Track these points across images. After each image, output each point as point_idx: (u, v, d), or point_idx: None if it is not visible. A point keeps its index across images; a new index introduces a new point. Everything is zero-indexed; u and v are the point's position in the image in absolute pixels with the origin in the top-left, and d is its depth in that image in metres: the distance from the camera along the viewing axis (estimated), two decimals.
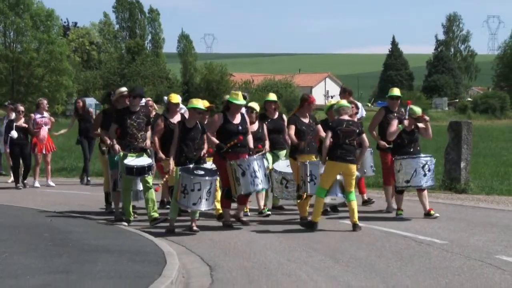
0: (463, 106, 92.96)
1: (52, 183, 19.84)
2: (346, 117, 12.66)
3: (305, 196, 12.97)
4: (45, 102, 20.09)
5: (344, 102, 13.16)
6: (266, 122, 14.17)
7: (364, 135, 12.73)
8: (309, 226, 12.49)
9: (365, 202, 15.13)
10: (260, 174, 12.57)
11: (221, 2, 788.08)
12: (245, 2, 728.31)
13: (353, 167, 12.49)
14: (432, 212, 13.52)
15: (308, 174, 12.76)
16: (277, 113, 14.50)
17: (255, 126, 13.91)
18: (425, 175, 13.43)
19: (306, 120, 13.26)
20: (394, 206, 14.02)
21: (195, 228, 12.44)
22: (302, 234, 12.15)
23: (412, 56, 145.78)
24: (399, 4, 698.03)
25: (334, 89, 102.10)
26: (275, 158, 14.26)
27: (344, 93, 15.37)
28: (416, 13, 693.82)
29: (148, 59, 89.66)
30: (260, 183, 12.60)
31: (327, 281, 9.13)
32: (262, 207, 14.05)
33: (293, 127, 13.15)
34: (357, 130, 12.58)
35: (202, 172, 12.28)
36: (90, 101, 72.19)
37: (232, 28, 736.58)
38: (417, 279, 9.15)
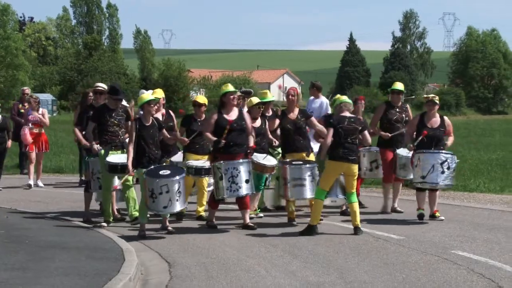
0: (419, 102, 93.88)
1: (41, 184, 18.54)
2: (347, 113, 12.01)
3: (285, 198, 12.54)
4: (32, 100, 18.58)
5: (345, 97, 12.33)
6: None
7: (366, 132, 12.10)
8: (308, 231, 11.75)
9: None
10: (240, 180, 11.83)
11: None
12: None
13: (355, 167, 11.88)
14: (437, 214, 13.00)
15: (284, 177, 12.25)
16: (270, 110, 13.92)
17: (258, 122, 13.26)
18: (443, 172, 12.59)
19: (293, 116, 12.72)
20: (396, 206, 13.80)
21: (170, 228, 12.04)
22: (260, 230, 12.17)
23: (369, 53, 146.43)
24: (357, 0, 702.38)
25: (292, 85, 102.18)
26: (275, 155, 13.55)
27: (312, 88, 15.32)
28: (373, 10, 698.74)
29: (106, 54, 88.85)
30: (239, 189, 11.89)
31: (285, 276, 9.17)
32: (255, 208, 13.41)
33: (276, 122, 12.78)
34: (360, 128, 11.94)
35: (168, 172, 11.64)
36: (46, 97, 71.57)
37: (191, 24, 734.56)
38: (374, 274, 9.24)
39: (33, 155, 18.42)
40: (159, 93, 13.67)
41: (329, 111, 15.46)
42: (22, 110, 19.85)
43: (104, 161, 12.59)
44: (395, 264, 9.78)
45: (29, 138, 18.24)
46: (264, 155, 12.95)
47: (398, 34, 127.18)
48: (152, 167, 11.76)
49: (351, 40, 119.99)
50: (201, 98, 13.63)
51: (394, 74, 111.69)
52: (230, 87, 12.40)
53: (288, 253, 10.48)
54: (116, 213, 13.40)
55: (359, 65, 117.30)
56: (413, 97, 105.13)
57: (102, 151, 12.70)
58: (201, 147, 13.16)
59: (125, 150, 12.47)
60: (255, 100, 13.35)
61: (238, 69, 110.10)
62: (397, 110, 13.86)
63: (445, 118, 13.15)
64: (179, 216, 13.13)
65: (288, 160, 12.52)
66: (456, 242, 11.17)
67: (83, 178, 18.62)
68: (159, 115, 13.15)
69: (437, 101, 12.98)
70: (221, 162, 11.91)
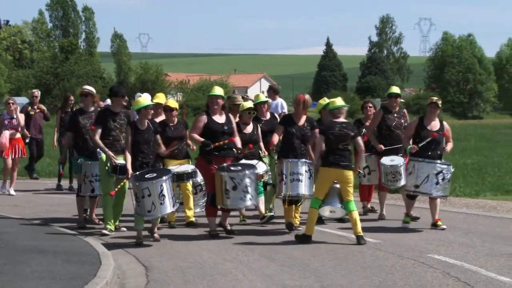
0: None
1: (13, 192, 17.58)
2: (340, 119, 11.63)
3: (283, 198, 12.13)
4: (11, 102, 17.78)
5: (339, 102, 11.82)
6: (260, 124, 13.27)
7: (359, 138, 11.71)
8: (303, 239, 11.42)
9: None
10: (251, 189, 11.63)
11: (156, 1, 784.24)
12: (181, 1, 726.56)
13: (349, 173, 11.45)
14: (439, 223, 12.59)
15: (280, 174, 12.01)
16: (268, 113, 13.72)
17: (250, 127, 13.03)
18: (437, 183, 12.31)
19: (300, 123, 12.30)
20: (384, 213, 13.63)
21: (156, 236, 11.71)
22: (238, 234, 12.15)
23: (346, 58, 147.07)
24: (334, 5, 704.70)
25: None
26: (273, 161, 13.10)
27: (269, 91, 15.38)
28: (350, 15, 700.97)
29: (82, 58, 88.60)
30: (251, 199, 11.69)
31: (262, 280, 9.18)
32: (263, 212, 13.13)
33: (281, 128, 12.38)
34: (352, 134, 11.57)
35: (154, 175, 11.31)
36: (22, 100, 71.12)
37: (168, 28, 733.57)
38: (351, 278, 9.27)
39: (9, 161, 17.70)
40: (161, 98, 13.46)
41: (285, 110, 15.56)
42: (33, 112, 19.16)
43: (104, 165, 12.20)
44: (372, 267, 9.82)
45: (7, 143, 17.60)
46: (255, 161, 12.57)
47: (375, 39, 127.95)
48: (138, 172, 11.48)
49: (328, 45, 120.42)
50: (172, 103, 13.29)
51: (370, 78, 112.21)
52: (216, 91, 12.28)
53: (265, 257, 10.49)
54: (94, 217, 13.29)
55: (336, 69, 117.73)
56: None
57: (104, 156, 12.24)
58: (180, 152, 12.96)
59: (123, 155, 12.02)
60: (247, 105, 13.10)
61: (215, 73, 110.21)
62: (395, 115, 13.63)
63: (445, 123, 12.89)
64: (171, 224, 12.92)
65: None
66: (432, 246, 11.23)
67: (60, 183, 18.44)
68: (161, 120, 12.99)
69: (440, 105, 12.71)
70: (233, 172, 11.61)
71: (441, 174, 12.34)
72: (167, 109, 13.06)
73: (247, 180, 11.58)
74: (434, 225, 12.62)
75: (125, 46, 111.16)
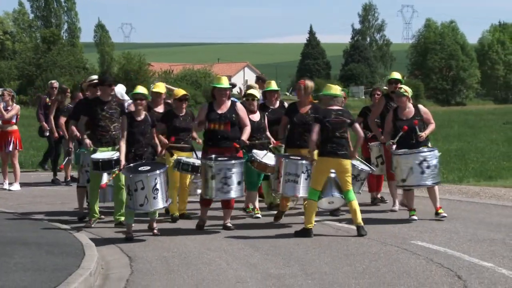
0: None
1: (13, 187, 16.81)
2: (335, 106, 11.21)
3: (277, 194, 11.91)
4: (6, 93, 17.16)
5: (335, 89, 11.37)
6: (267, 113, 12.95)
7: (356, 125, 11.29)
8: (303, 233, 11.04)
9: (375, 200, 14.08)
10: (231, 181, 11.18)
11: None
12: None
13: (347, 162, 11.06)
14: (440, 211, 12.28)
15: (277, 170, 11.59)
16: (278, 102, 13.33)
17: (256, 116, 12.64)
18: (423, 172, 11.91)
19: (303, 110, 12.06)
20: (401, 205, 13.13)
21: (155, 231, 11.37)
22: (221, 222, 12.15)
23: (329, 46, 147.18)
24: None
25: (253, 78, 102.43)
26: (277, 153, 12.57)
27: (258, 81, 15.35)
28: (333, 3, 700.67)
29: (65, 48, 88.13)
30: (230, 191, 11.23)
31: (246, 269, 9.20)
32: (255, 207, 12.78)
33: (285, 118, 12.21)
34: (348, 120, 11.14)
35: (148, 168, 10.96)
36: None
37: (150, 18, 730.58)
38: (335, 265, 9.30)
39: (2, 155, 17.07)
40: (161, 88, 13.15)
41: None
42: (50, 103, 18.27)
43: (90, 158, 11.89)
44: (356, 255, 9.86)
45: None
46: (264, 152, 12.22)
47: (358, 26, 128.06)
48: (132, 164, 11.16)
49: (311, 33, 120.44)
50: (183, 92, 12.72)
51: (354, 66, 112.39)
52: (222, 81, 11.83)
53: (249, 246, 10.51)
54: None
55: (319, 57, 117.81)
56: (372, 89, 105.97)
57: (91, 148, 11.97)
58: (186, 144, 12.47)
59: (116, 146, 11.86)
60: (252, 92, 12.81)
61: (198, 62, 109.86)
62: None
63: (420, 106, 12.53)
64: (174, 218, 12.49)
65: (286, 154, 12.03)
66: (415, 233, 11.28)
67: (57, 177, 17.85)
68: (160, 110, 12.80)
69: (404, 92, 12.24)
70: (213, 161, 11.26)
71: (424, 162, 11.93)
72: (182, 99, 12.58)
73: (227, 171, 11.19)
74: (436, 214, 12.30)
75: (108, 37, 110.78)
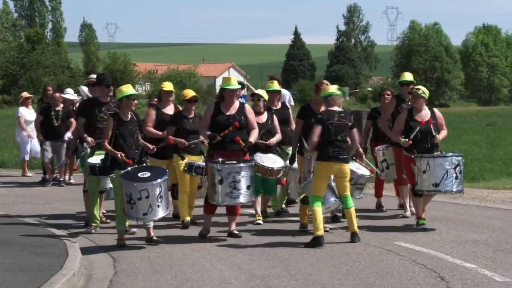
0: (364, 95, 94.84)
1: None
2: (336, 108, 10.71)
3: (302, 196, 11.34)
4: None
5: (334, 88, 10.92)
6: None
7: (355, 130, 10.79)
8: (313, 243, 10.42)
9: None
10: (241, 185, 10.64)
11: None
12: None
13: (347, 167, 10.70)
14: (424, 215, 11.76)
15: (311, 170, 11.02)
16: (280, 102, 13.01)
17: (264, 117, 12.26)
18: (457, 177, 11.35)
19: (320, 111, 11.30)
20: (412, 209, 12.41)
21: (155, 238, 10.77)
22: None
23: (314, 47, 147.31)
24: None
25: (238, 79, 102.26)
26: (284, 156, 12.26)
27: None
28: (318, 4, 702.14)
29: (49, 48, 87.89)
30: (239, 196, 10.67)
31: (230, 269, 9.20)
32: (259, 211, 12.28)
33: (300, 122, 11.58)
34: (349, 124, 10.71)
35: (148, 174, 10.41)
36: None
37: (135, 18, 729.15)
38: (319, 266, 9.33)
39: None
40: (169, 86, 12.60)
41: (292, 103, 14.57)
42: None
43: (87, 162, 11.53)
44: (339, 256, 9.88)
45: None
46: (269, 154, 11.94)
47: (343, 28, 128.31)
48: (129, 168, 10.52)
49: (296, 34, 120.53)
50: (193, 93, 12.14)
51: (339, 67, 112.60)
52: (232, 82, 11.26)
53: (233, 247, 10.51)
54: (101, 215, 12.18)
55: (304, 58, 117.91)
56: (357, 90, 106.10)
57: (88, 150, 11.64)
58: (195, 147, 12.02)
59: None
60: (259, 92, 12.47)
61: (183, 62, 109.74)
62: (410, 104, 12.23)
63: (436, 110, 11.94)
64: (185, 224, 11.91)
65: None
66: (399, 234, 11.32)
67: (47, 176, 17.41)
68: (170, 111, 12.34)
69: (421, 94, 11.59)
70: (220, 164, 10.70)
71: (458, 167, 11.39)
72: (192, 100, 12.01)
73: (236, 175, 10.63)
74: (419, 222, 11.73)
75: (93, 36, 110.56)
